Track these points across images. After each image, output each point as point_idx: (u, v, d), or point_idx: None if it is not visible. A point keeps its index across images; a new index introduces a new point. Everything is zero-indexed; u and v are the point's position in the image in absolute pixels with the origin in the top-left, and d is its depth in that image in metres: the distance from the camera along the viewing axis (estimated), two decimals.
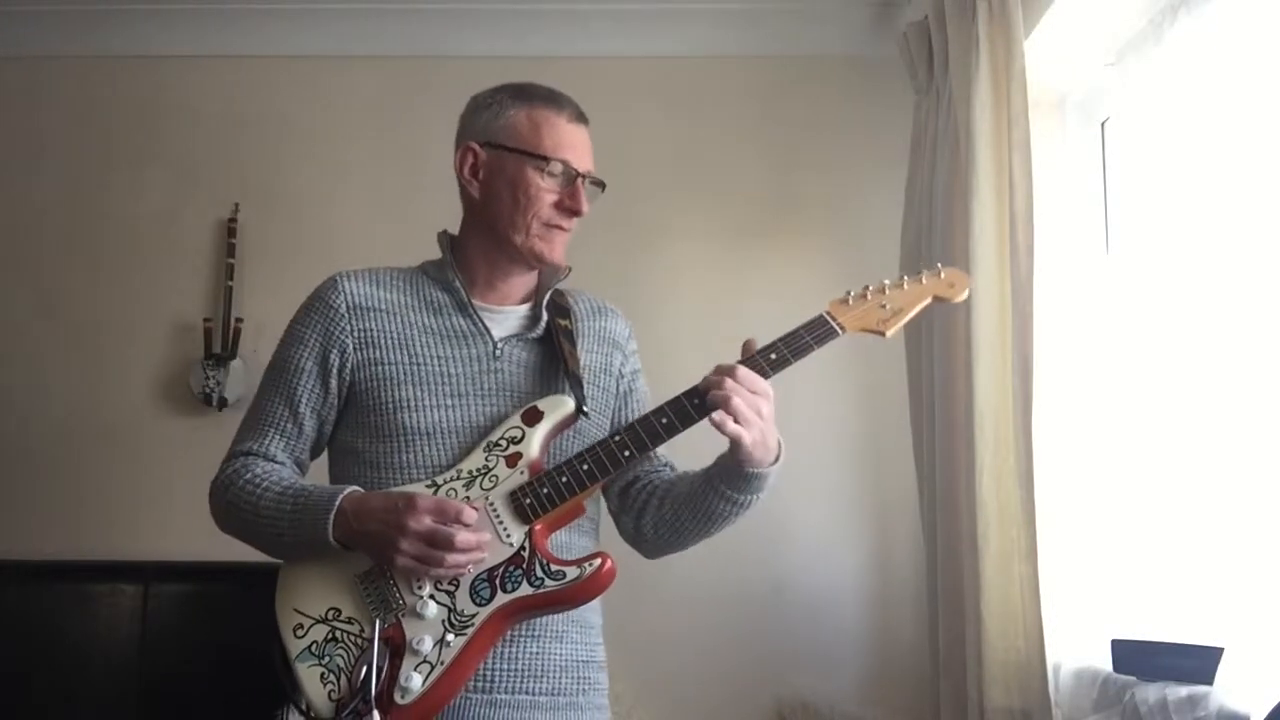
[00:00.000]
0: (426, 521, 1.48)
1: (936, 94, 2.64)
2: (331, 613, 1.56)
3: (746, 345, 1.62)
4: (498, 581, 1.53)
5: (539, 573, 1.53)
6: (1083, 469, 2.46)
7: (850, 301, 1.66)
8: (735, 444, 1.56)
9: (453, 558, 1.49)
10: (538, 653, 1.60)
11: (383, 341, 1.65)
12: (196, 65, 3.23)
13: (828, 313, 1.64)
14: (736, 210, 3.15)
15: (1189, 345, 2.25)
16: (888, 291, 1.67)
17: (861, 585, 3.03)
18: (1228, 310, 2.12)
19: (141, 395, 3.11)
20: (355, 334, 1.65)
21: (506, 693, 1.57)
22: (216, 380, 3.05)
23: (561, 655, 1.62)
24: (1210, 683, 1.85)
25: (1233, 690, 1.83)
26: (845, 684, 2.96)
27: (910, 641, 2.91)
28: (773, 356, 1.60)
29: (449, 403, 1.63)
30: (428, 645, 1.50)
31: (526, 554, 1.54)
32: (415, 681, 1.49)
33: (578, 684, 1.64)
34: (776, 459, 1.62)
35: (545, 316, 1.71)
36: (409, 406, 1.62)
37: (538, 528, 1.56)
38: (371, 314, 1.66)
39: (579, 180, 1.67)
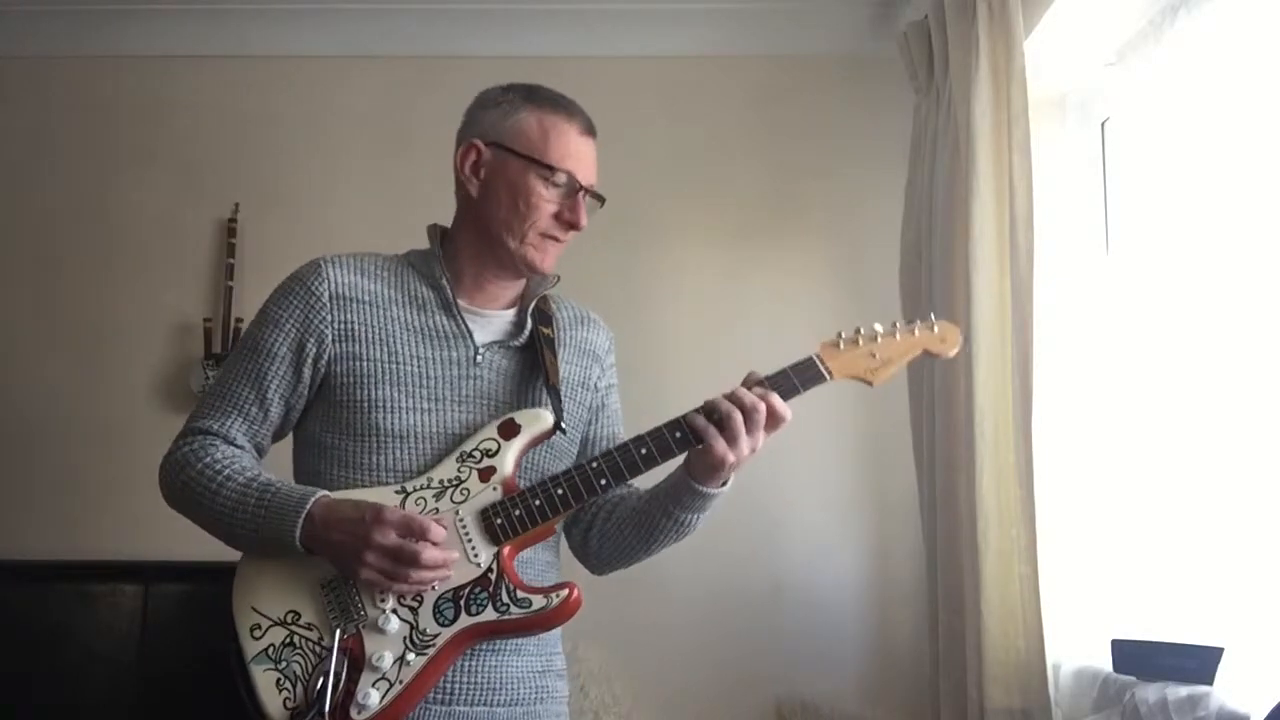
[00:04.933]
0: (392, 537, 1.45)
1: (936, 94, 2.64)
2: (290, 616, 1.53)
3: (749, 377, 1.60)
4: (462, 603, 1.50)
5: (505, 598, 1.50)
6: (1082, 469, 2.46)
7: (841, 346, 1.63)
8: (719, 465, 1.55)
9: (417, 574, 1.46)
10: (496, 665, 1.58)
11: (363, 335, 1.60)
12: (196, 65, 3.24)
13: (817, 355, 1.62)
14: (736, 210, 3.16)
15: (1189, 345, 2.25)
16: (879, 340, 1.64)
17: (861, 585, 3.03)
18: (1228, 310, 2.12)
19: (141, 395, 3.11)
20: (335, 325, 1.60)
21: (466, 704, 1.55)
22: None
23: (520, 667, 1.61)
24: (1210, 683, 1.85)
25: (1233, 690, 1.83)
26: (845, 684, 2.96)
27: (910, 641, 2.91)
28: (756, 393, 1.58)
29: (425, 406, 1.59)
30: (387, 662, 1.48)
31: (494, 576, 1.51)
32: (373, 699, 1.47)
33: (535, 694, 1.63)
34: (725, 483, 1.62)
35: (530, 324, 1.69)
36: (384, 407, 1.57)
37: (506, 549, 1.53)
38: (353, 305, 1.61)
39: (580, 194, 1.64)
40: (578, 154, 1.64)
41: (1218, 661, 1.86)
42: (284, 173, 3.20)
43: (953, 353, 1.70)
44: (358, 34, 3.21)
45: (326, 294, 1.61)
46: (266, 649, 1.52)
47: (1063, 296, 2.48)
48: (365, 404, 1.58)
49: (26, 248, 3.18)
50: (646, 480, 1.66)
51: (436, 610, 1.50)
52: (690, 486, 1.60)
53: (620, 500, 1.73)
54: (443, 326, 1.64)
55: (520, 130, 1.63)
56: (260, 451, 1.66)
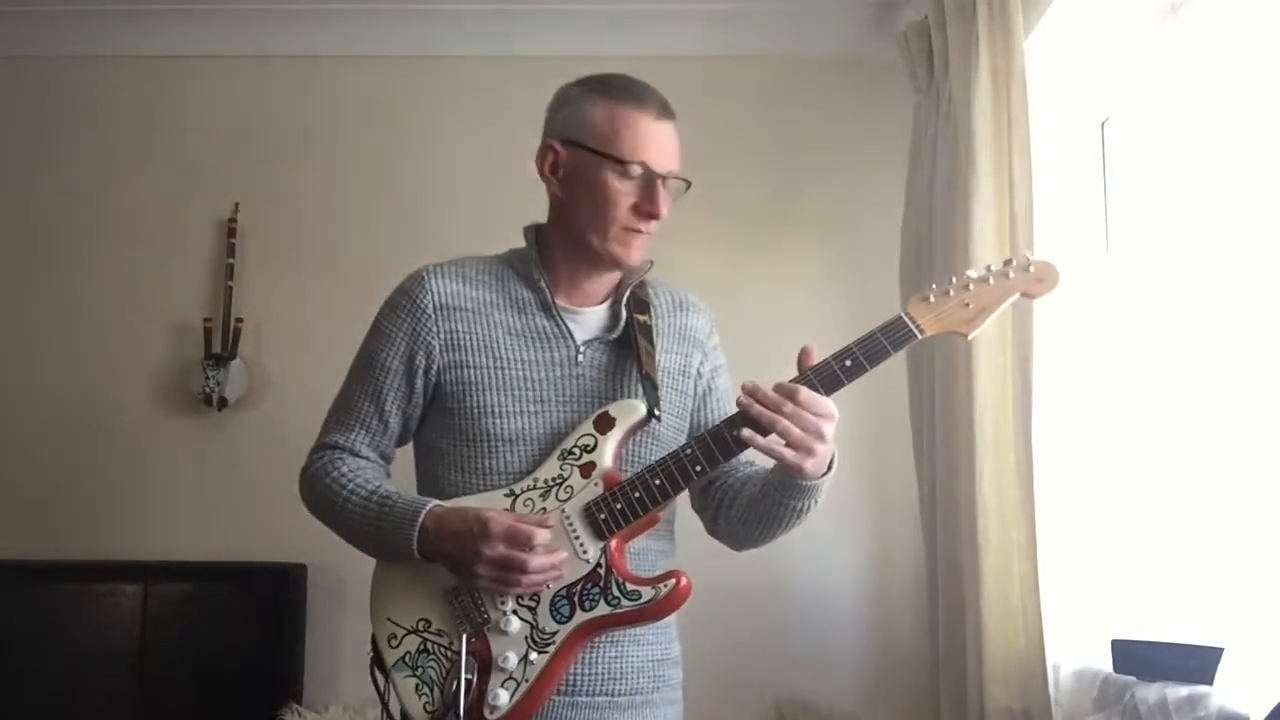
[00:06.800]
0: (500, 549, 1.50)
1: (936, 94, 2.64)
2: (422, 624, 1.58)
3: (803, 354, 1.54)
4: (576, 599, 1.54)
5: (615, 592, 1.53)
6: (1083, 469, 2.46)
7: (932, 299, 1.54)
8: (799, 474, 1.52)
9: (528, 579, 1.51)
10: (617, 656, 1.61)
11: (468, 344, 1.64)
12: (196, 65, 3.24)
13: (907, 313, 1.54)
14: (736, 210, 3.15)
15: (1189, 345, 2.25)
16: (972, 288, 1.54)
17: (861, 585, 3.03)
18: (1228, 310, 2.12)
19: (141, 395, 3.12)
20: (442, 335, 1.64)
21: (587, 695, 1.59)
22: (216, 380, 3.05)
23: (639, 657, 1.62)
24: (1210, 683, 1.85)
25: (1233, 690, 1.83)
26: (845, 684, 2.96)
27: (910, 641, 2.91)
28: (847, 363, 1.52)
29: (532, 409, 1.61)
30: (513, 662, 1.53)
31: (603, 571, 1.54)
32: (503, 698, 1.52)
33: (653, 682, 1.65)
34: (830, 466, 1.57)
35: (624, 316, 1.68)
36: (493, 412, 1.61)
37: (614, 543, 1.55)
38: (458, 314, 1.65)
39: (659, 181, 1.62)
40: (650, 141, 1.62)
41: (1218, 661, 1.87)
42: (284, 173, 3.20)
43: (1051, 292, 1.58)
44: (358, 34, 3.21)
45: (431, 305, 1.65)
46: (404, 656, 1.58)
47: (1063, 296, 2.47)
48: (475, 410, 1.61)
49: (27, 248, 3.18)
50: None
51: (553, 608, 1.54)
52: (792, 481, 1.57)
53: (741, 486, 1.70)
54: (543, 328, 1.66)
55: (590, 124, 1.62)
56: (386, 459, 1.72)
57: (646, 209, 1.62)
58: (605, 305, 1.70)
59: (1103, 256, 2.57)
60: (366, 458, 1.69)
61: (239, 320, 3.09)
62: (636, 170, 1.61)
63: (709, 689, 2.95)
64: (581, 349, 1.65)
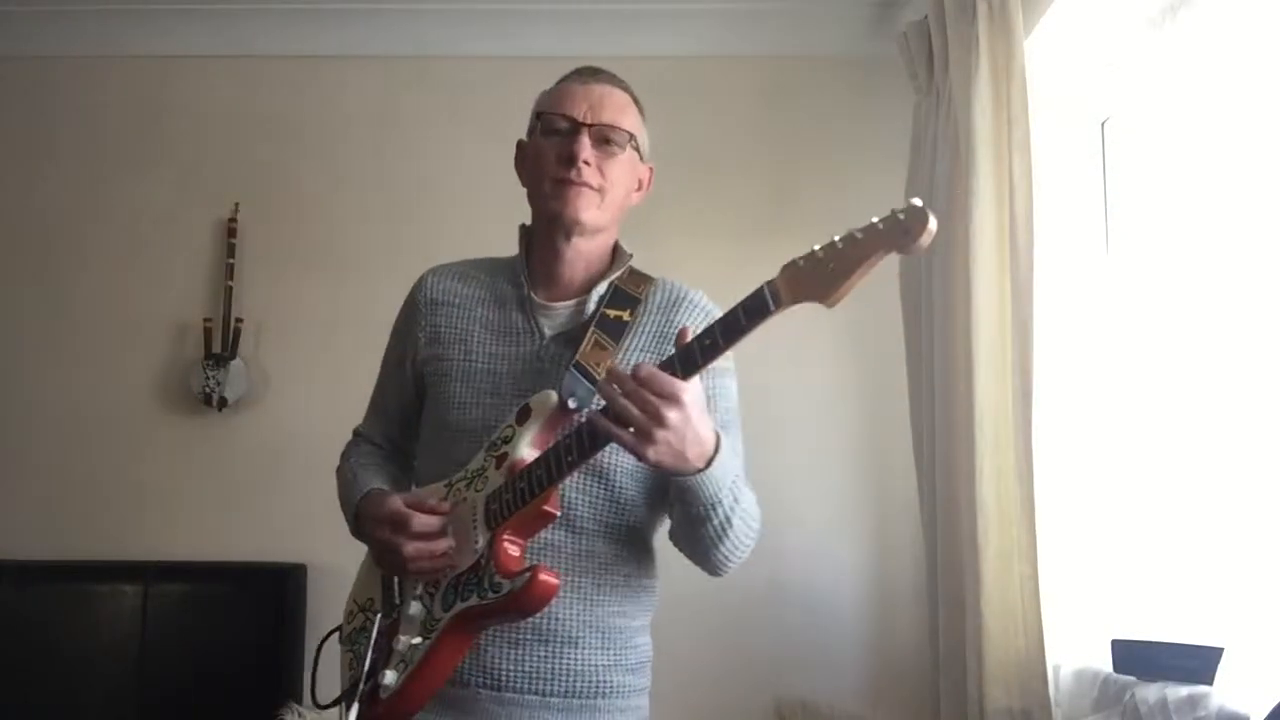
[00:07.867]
0: (385, 532, 1.55)
1: (936, 94, 2.64)
2: (368, 603, 1.65)
3: (679, 335, 1.44)
4: (459, 588, 1.52)
5: (486, 583, 1.49)
6: (1082, 469, 2.46)
7: (801, 263, 1.34)
8: (650, 464, 1.39)
9: (412, 565, 1.53)
10: (547, 656, 1.56)
11: (447, 337, 1.68)
12: (196, 65, 3.24)
13: (770, 282, 1.38)
14: (736, 210, 3.15)
15: (1189, 345, 2.25)
16: (840, 246, 1.32)
17: (861, 585, 3.03)
18: (1227, 310, 2.12)
19: (141, 395, 3.11)
20: (427, 330, 1.70)
21: (514, 692, 1.55)
22: (216, 380, 3.05)
23: (577, 660, 1.58)
24: (1210, 683, 1.86)
25: (1233, 690, 1.83)
26: (845, 684, 2.96)
27: (910, 641, 2.90)
28: (706, 342, 1.40)
29: (488, 401, 1.62)
30: (403, 644, 1.54)
31: (484, 562, 1.50)
32: (390, 678, 1.53)
33: (595, 688, 1.58)
34: (710, 462, 1.43)
35: (594, 308, 1.64)
36: (452, 403, 1.64)
37: (504, 534, 1.50)
38: (443, 309, 1.70)
39: (583, 129, 1.60)
40: (572, 98, 1.63)
41: (1218, 661, 1.87)
42: (284, 173, 3.20)
43: (922, 242, 1.28)
44: (358, 34, 3.21)
45: (424, 301, 1.72)
46: (350, 633, 1.67)
47: (1063, 296, 2.48)
48: (441, 400, 1.65)
49: (27, 248, 3.18)
50: None
51: (444, 596, 1.53)
52: (671, 481, 1.46)
53: None
54: (515, 322, 1.66)
55: (534, 110, 1.70)
56: (396, 447, 1.81)
57: (565, 153, 1.60)
58: (579, 300, 1.67)
59: (1103, 257, 2.57)
60: (378, 444, 1.80)
61: (239, 320, 3.09)
62: (561, 124, 1.62)
63: (709, 689, 2.96)
64: (548, 343, 1.63)
